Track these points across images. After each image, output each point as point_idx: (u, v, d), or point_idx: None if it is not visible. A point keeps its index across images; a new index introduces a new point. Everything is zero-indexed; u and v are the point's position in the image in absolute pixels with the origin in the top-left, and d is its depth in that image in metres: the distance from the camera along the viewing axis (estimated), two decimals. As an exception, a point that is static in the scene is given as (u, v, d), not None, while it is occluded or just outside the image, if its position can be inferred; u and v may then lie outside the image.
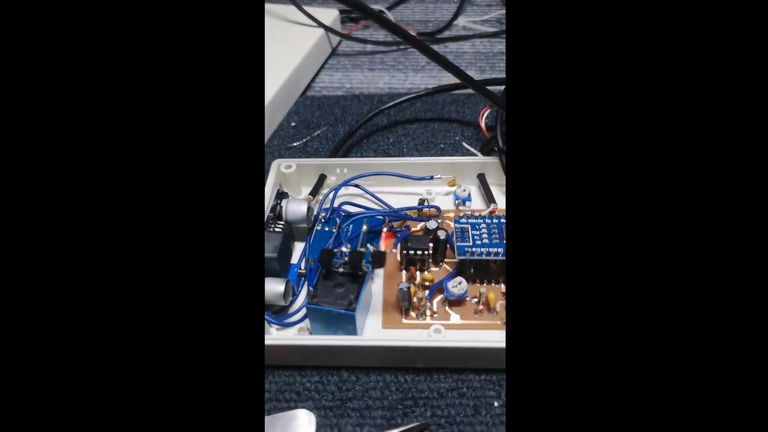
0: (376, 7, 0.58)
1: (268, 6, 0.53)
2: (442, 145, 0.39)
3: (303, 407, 0.24)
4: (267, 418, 0.23)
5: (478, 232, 0.28)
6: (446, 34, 0.55)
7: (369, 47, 0.53)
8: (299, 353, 0.25)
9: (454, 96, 0.44)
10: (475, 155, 0.35)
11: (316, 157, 0.37)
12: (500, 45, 0.53)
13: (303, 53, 0.46)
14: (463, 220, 0.29)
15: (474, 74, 0.48)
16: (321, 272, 0.26)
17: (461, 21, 0.56)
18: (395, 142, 0.40)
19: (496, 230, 0.28)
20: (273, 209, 0.30)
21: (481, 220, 0.28)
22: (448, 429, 0.23)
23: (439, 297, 0.28)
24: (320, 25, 0.49)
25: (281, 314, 0.27)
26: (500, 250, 0.27)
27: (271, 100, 0.41)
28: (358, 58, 0.52)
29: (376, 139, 0.40)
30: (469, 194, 0.33)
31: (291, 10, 0.50)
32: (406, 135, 0.40)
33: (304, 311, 0.26)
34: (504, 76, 0.44)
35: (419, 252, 0.28)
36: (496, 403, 0.24)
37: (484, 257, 0.27)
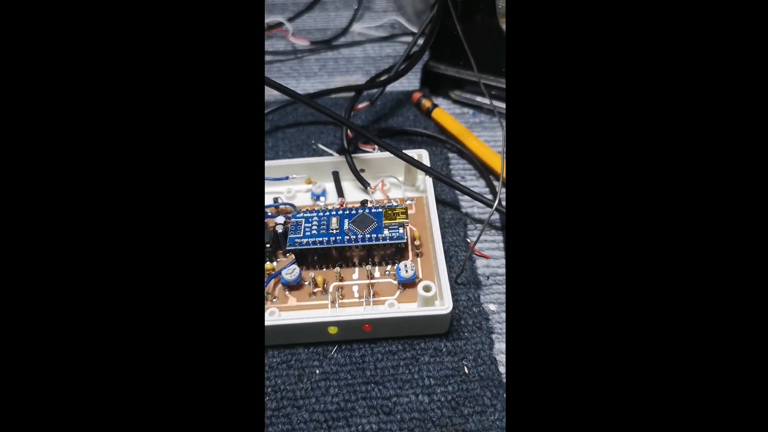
0: (279, 18, 0.60)
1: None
2: (313, 147, 0.41)
3: (154, 386, 0.27)
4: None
5: (309, 225, 0.30)
6: (342, 40, 0.57)
7: (268, 57, 0.55)
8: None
9: (334, 100, 0.46)
10: (331, 155, 0.37)
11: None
12: (388, 48, 0.55)
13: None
14: (299, 215, 0.31)
15: (360, 77, 0.51)
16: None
17: (356, 27, 0.58)
18: (273, 146, 0.42)
19: (326, 222, 0.30)
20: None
21: (314, 214, 0.31)
22: (272, 396, 0.26)
23: (279, 284, 0.30)
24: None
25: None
26: (326, 239, 0.29)
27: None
28: (259, 68, 0.54)
29: (258, 144, 0.42)
30: (324, 190, 0.35)
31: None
32: (284, 138, 0.42)
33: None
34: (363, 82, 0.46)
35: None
36: (317, 371, 0.27)
37: (310, 246, 0.29)
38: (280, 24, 0.59)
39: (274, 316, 0.28)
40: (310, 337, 0.28)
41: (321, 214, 0.31)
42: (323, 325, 0.27)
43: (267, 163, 0.36)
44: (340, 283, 0.30)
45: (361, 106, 0.41)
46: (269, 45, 0.57)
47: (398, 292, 0.29)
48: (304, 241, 0.29)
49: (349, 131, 0.38)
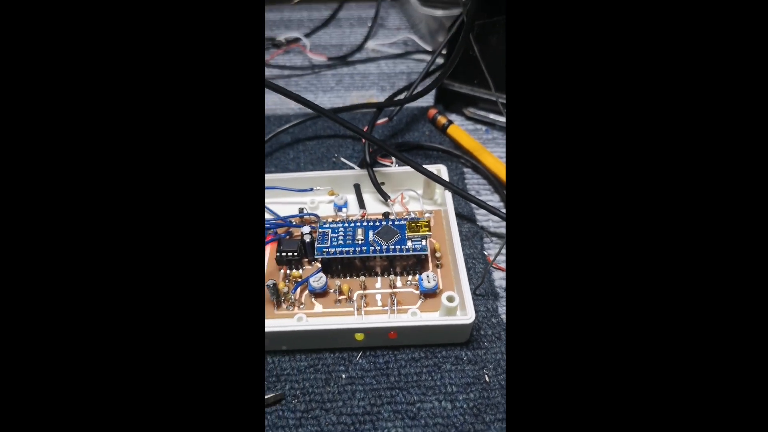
0: (296, 34, 0.61)
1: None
2: (333, 159, 0.42)
3: (185, 388, 0.27)
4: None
5: (336, 235, 0.31)
6: (357, 56, 0.58)
7: (286, 72, 0.56)
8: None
9: (352, 114, 0.47)
10: (353, 168, 0.38)
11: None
12: (402, 65, 0.56)
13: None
14: (326, 225, 0.32)
15: (374, 93, 0.52)
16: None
17: (371, 44, 0.60)
18: (294, 158, 0.43)
19: (351, 233, 0.31)
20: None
21: (340, 225, 0.32)
22: (301, 398, 0.27)
23: (306, 291, 0.31)
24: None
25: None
26: (351, 249, 0.30)
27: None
28: (276, 82, 0.55)
29: (279, 155, 0.43)
30: (346, 202, 0.36)
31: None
32: (305, 150, 0.44)
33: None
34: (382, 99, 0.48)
35: (289, 253, 0.31)
36: (343, 375, 0.28)
37: (337, 255, 0.30)
38: (297, 39, 0.60)
39: (302, 321, 0.29)
40: (337, 342, 0.29)
41: (347, 225, 0.32)
42: (350, 332, 0.28)
43: (292, 174, 0.37)
44: (364, 292, 0.31)
45: (379, 121, 0.42)
46: (287, 59, 0.58)
47: (420, 302, 0.30)
48: (332, 250, 0.30)
49: (370, 146, 0.39)
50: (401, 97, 0.43)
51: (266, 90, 0.36)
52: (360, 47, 0.59)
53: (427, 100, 0.49)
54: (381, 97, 0.51)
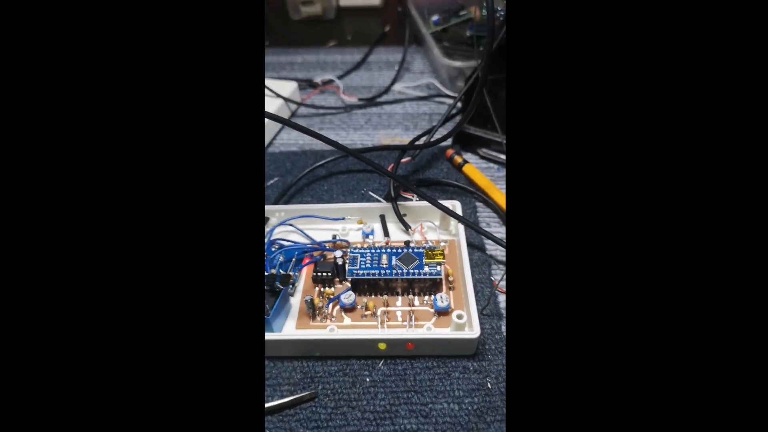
0: (330, 75, 0.67)
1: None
2: (362, 192, 0.48)
3: (235, 384, 0.32)
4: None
5: (364, 259, 0.36)
6: (384, 98, 0.64)
7: (321, 111, 0.62)
8: (234, 347, 0.34)
9: (376, 154, 0.53)
10: (380, 201, 0.44)
11: (267, 202, 0.46)
12: (425, 107, 0.62)
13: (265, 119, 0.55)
14: (355, 251, 0.37)
15: (399, 132, 0.57)
16: (251, 289, 0.35)
17: (397, 86, 0.66)
18: (328, 189, 0.48)
19: (377, 258, 0.36)
20: (224, 244, 0.39)
21: (368, 251, 0.37)
22: (331, 397, 0.32)
23: (338, 306, 0.36)
24: (278, 96, 0.58)
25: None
26: (377, 271, 0.35)
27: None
28: (312, 119, 0.61)
29: (315, 187, 0.49)
30: (372, 230, 0.41)
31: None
32: (337, 183, 0.49)
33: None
34: (413, 138, 0.53)
35: (324, 273, 0.37)
36: (368, 379, 0.33)
37: (365, 277, 0.35)
38: (331, 81, 0.66)
39: (334, 332, 0.34)
40: (362, 350, 0.33)
41: (373, 250, 0.37)
42: (375, 342, 0.32)
43: (327, 205, 0.42)
44: (387, 308, 0.36)
45: (403, 160, 0.47)
46: (323, 99, 0.64)
47: (434, 319, 0.35)
48: (360, 272, 0.35)
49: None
50: (423, 140, 0.48)
51: (309, 125, 0.42)
52: (387, 89, 0.65)
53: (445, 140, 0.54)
54: (405, 136, 0.56)
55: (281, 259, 0.38)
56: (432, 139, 0.47)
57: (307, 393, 0.31)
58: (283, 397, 0.32)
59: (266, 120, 0.53)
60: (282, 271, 0.37)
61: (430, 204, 0.40)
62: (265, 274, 0.35)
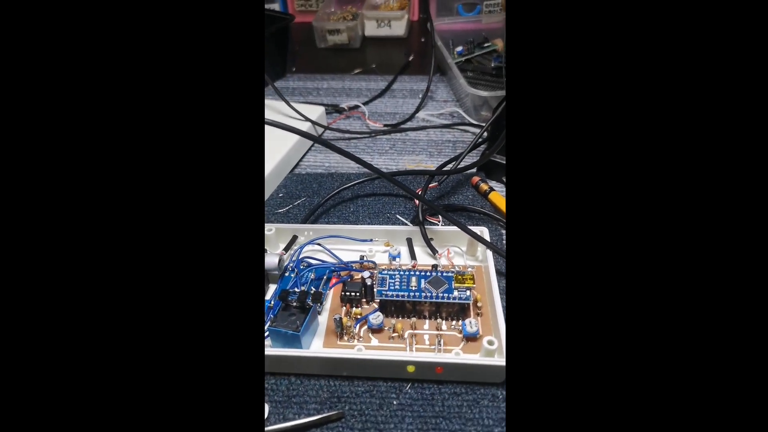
0: (356, 101, 0.68)
1: (268, 101, 0.63)
2: (388, 215, 0.48)
3: (261, 401, 0.32)
4: (234, 407, 0.31)
5: (393, 281, 0.36)
6: (409, 124, 0.65)
7: (347, 135, 0.63)
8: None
9: (402, 178, 0.53)
10: (406, 225, 0.43)
11: (295, 221, 0.46)
12: (448, 135, 0.62)
13: (293, 140, 0.55)
14: (384, 272, 0.37)
15: (423, 158, 0.58)
16: (281, 305, 0.35)
17: (421, 114, 0.66)
18: (354, 211, 0.49)
19: (406, 280, 0.36)
20: (253, 260, 0.39)
21: (396, 272, 0.37)
22: (358, 418, 0.31)
23: (365, 326, 0.36)
24: (306, 119, 0.59)
25: (252, 336, 0.35)
26: (406, 294, 0.35)
27: (266, 176, 0.50)
28: (338, 143, 0.61)
29: (341, 208, 0.49)
30: (399, 253, 0.41)
31: (287, 107, 0.61)
32: (363, 206, 0.49)
33: (267, 332, 0.35)
34: (437, 165, 0.53)
35: (353, 293, 0.36)
36: (395, 402, 0.32)
37: (394, 298, 0.35)
38: (357, 106, 0.67)
39: (362, 351, 0.33)
40: (390, 372, 0.33)
41: (402, 272, 0.37)
42: (404, 363, 0.32)
43: (355, 226, 0.42)
44: (414, 331, 0.35)
45: (432, 185, 0.47)
46: (348, 124, 0.65)
47: (462, 344, 0.34)
48: (390, 293, 0.35)
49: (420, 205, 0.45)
50: (450, 167, 0.48)
51: (330, 151, 0.43)
52: (412, 116, 0.65)
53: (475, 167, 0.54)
54: (429, 162, 0.56)
55: (312, 276, 0.37)
56: (459, 166, 0.47)
57: (334, 412, 0.31)
58: (310, 415, 0.31)
59: (293, 141, 0.54)
60: (313, 288, 0.36)
61: (457, 229, 0.40)
62: (296, 290, 0.35)
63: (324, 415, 0.31)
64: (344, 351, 0.34)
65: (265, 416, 0.31)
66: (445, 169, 0.48)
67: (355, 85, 0.76)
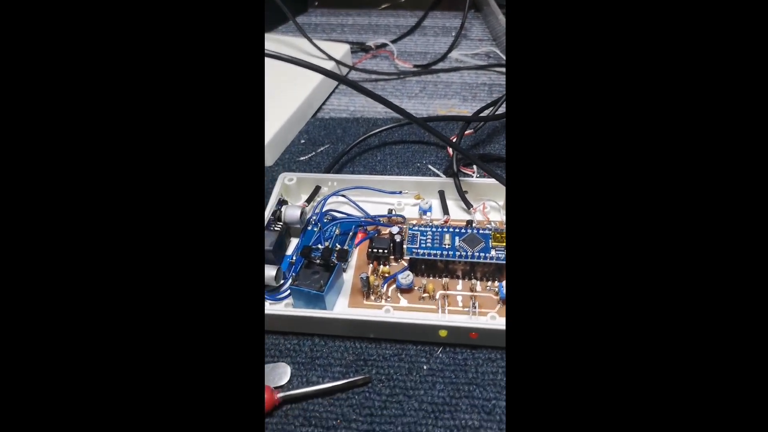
0: (383, 39, 0.63)
1: (289, 38, 0.59)
2: (418, 164, 0.44)
3: (283, 362, 0.30)
4: (255, 367, 0.29)
5: (424, 238, 0.33)
6: (440, 65, 0.60)
7: (373, 76, 0.58)
8: (284, 322, 0.31)
9: (434, 124, 0.49)
10: (439, 176, 0.40)
11: (317, 170, 0.43)
12: (484, 77, 0.57)
13: (316, 81, 0.51)
14: (415, 228, 0.34)
15: (456, 102, 0.53)
16: (303, 262, 0.32)
17: (454, 54, 0.61)
18: (381, 160, 0.45)
19: (439, 237, 0.33)
20: (274, 213, 0.36)
21: (428, 229, 0.34)
22: (386, 383, 0.29)
23: (394, 285, 0.33)
24: (330, 58, 0.54)
25: (274, 292, 0.33)
26: (439, 252, 0.32)
27: (287, 120, 0.47)
28: (364, 85, 0.57)
29: (367, 156, 0.46)
30: (430, 206, 0.38)
31: (309, 44, 0.56)
32: (391, 154, 0.46)
33: (289, 291, 0.32)
34: (472, 110, 0.49)
35: (381, 250, 0.34)
36: (425, 367, 0.30)
37: (426, 257, 0.32)
38: (384, 45, 0.62)
39: (390, 313, 0.31)
40: (420, 336, 0.31)
41: (434, 229, 0.34)
42: (435, 328, 0.29)
43: (382, 177, 0.39)
44: (446, 292, 0.33)
45: (467, 132, 0.43)
46: (375, 64, 0.60)
47: (498, 307, 0.32)
48: (421, 251, 0.32)
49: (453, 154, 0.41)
50: (487, 113, 0.44)
51: (358, 93, 0.39)
52: (444, 56, 0.60)
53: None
54: (463, 107, 0.52)
55: (337, 232, 0.35)
56: (498, 112, 0.43)
57: (360, 377, 0.29)
58: (335, 378, 0.29)
59: (316, 82, 0.50)
60: (338, 245, 0.34)
61: (494, 181, 0.37)
62: (319, 246, 0.32)
63: (350, 379, 0.29)
64: (371, 312, 0.31)
65: (288, 378, 0.29)
66: (481, 115, 0.44)
67: (382, 21, 0.70)
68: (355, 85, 0.32)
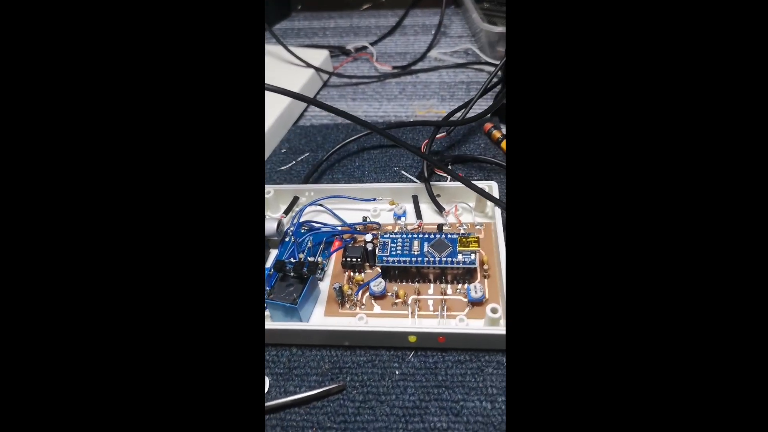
0: (364, 41, 0.64)
1: (269, 47, 0.60)
2: (395, 168, 0.45)
3: (263, 372, 0.32)
4: (236, 379, 0.31)
5: (395, 245, 0.34)
6: (419, 65, 0.60)
7: (354, 80, 0.59)
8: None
9: (409, 128, 0.49)
10: (413, 181, 0.41)
11: (298, 179, 0.45)
12: (462, 75, 0.58)
13: (296, 89, 0.52)
14: (386, 236, 0.35)
15: (435, 102, 0.54)
16: (278, 276, 0.33)
17: (433, 53, 0.62)
18: (360, 166, 0.46)
19: (408, 244, 0.34)
20: (252, 227, 0.37)
21: (399, 236, 0.35)
22: (359, 390, 0.30)
23: (368, 293, 0.34)
24: (308, 65, 0.55)
25: (253, 305, 0.35)
26: (408, 258, 0.33)
27: (267, 130, 0.48)
28: (345, 89, 0.58)
29: (346, 163, 0.47)
30: (405, 211, 0.39)
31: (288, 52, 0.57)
32: (369, 159, 0.47)
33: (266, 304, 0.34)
34: (449, 110, 0.50)
35: (354, 259, 0.35)
36: (397, 372, 0.31)
37: (396, 264, 0.33)
38: (364, 47, 0.63)
39: (363, 321, 0.32)
40: (392, 341, 0.32)
41: (404, 236, 0.35)
42: (405, 334, 0.31)
43: (358, 185, 0.40)
44: (418, 297, 0.34)
45: (438, 136, 0.44)
46: (355, 67, 0.61)
47: (467, 309, 0.33)
48: (391, 259, 0.33)
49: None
50: (460, 114, 0.45)
51: (342, 96, 0.40)
52: (423, 56, 0.61)
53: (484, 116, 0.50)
54: (441, 107, 0.53)
55: (309, 244, 0.36)
56: (468, 115, 0.43)
57: (335, 385, 0.30)
58: (311, 388, 0.30)
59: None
60: (310, 258, 0.35)
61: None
62: (293, 260, 0.34)
63: (325, 388, 0.30)
64: (345, 321, 0.33)
65: (266, 390, 0.31)
66: (452, 119, 0.44)
67: (363, 22, 0.71)
68: (320, 104, 0.33)
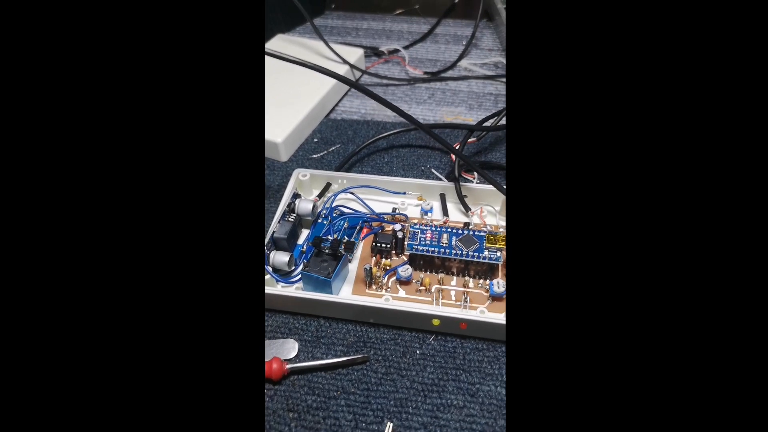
0: (396, 44, 0.67)
1: (306, 40, 0.63)
2: (422, 168, 0.48)
3: (292, 338, 0.34)
4: (266, 342, 0.34)
5: (424, 236, 0.37)
6: (450, 73, 0.64)
7: (385, 81, 0.62)
8: (294, 303, 0.35)
9: (439, 130, 0.53)
10: (441, 180, 0.44)
11: (328, 168, 0.48)
12: (491, 87, 0.61)
13: (330, 84, 0.55)
14: (416, 226, 0.38)
15: (463, 110, 0.57)
16: (314, 251, 0.36)
17: (464, 63, 0.65)
18: (388, 162, 0.49)
19: (437, 236, 0.37)
20: (289, 205, 0.40)
21: (428, 228, 0.38)
22: (382, 363, 0.33)
23: (394, 277, 0.37)
24: (344, 61, 0.59)
25: (286, 276, 0.38)
26: (437, 249, 0.36)
27: (301, 120, 0.51)
28: (375, 89, 0.61)
29: (375, 158, 0.50)
30: (431, 207, 0.42)
31: (325, 47, 0.60)
32: (398, 156, 0.50)
33: (300, 275, 0.37)
34: (476, 119, 0.53)
35: (384, 245, 0.38)
36: (418, 351, 0.34)
37: (424, 253, 0.36)
38: (396, 50, 0.66)
39: (389, 301, 0.35)
40: (415, 323, 0.35)
41: (434, 228, 0.38)
42: (430, 317, 0.34)
43: (388, 178, 0.43)
44: (441, 286, 0.37)
45: (470, 140, 0.47)
46: (386, 68, 0.65)
47: (488, 303, 0.36)
48: (420, 248, 0.37)
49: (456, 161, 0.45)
50: (491, 122, 0.48)
51: (367, 97, 0.42)
52: (454, 64, 0.64)
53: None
54: (468, 115, 0.56)
55: (345, 225, 0.39)
56: (501, 122, 0.47)
57: (359, 356, 0.33)
58: (336, 356, 0.33)
59: (330, 85, 0.54)
60: (346, 237, 0.38)
61: (493, 188, 0.41)
62: (329, 238, 0.37)
63: (350, 357, 0.33)
64: (372, 299, 0.36)
65: (295, 353, 0.34)
66: (485, 124, 0.48)
67: (396, 26, 0.74)
68: (366, 91, 0.37)
